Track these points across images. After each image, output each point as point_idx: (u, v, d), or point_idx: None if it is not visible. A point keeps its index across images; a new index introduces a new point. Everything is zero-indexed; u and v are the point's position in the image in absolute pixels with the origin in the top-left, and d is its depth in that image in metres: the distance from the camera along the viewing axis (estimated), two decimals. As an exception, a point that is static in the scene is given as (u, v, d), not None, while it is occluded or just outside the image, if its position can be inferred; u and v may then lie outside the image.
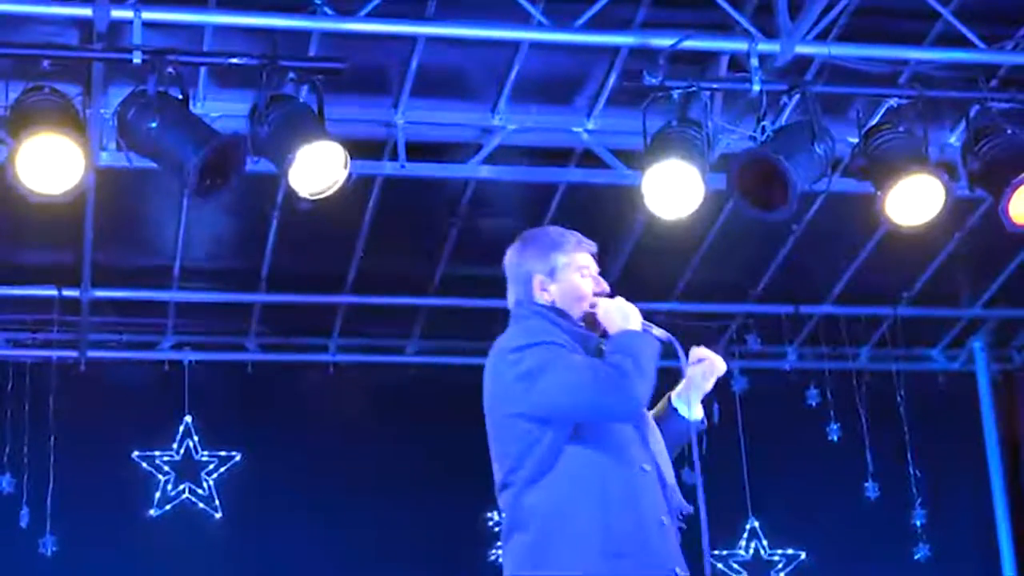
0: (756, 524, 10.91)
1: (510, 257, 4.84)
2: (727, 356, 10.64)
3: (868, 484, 10.76)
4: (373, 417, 10.46)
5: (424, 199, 9.06)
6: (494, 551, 10.47)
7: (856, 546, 10.61)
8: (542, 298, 4.71)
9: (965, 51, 7.89)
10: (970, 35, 7.83)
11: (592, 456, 4.49)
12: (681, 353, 4.75)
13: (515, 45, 7.80)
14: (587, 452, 4.49)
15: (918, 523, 10.70)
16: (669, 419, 4.84)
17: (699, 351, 4.88)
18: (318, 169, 7.29)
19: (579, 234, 4.89)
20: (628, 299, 9.86)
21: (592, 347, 4.64)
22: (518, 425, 4.50)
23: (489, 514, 10.60)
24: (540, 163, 8.64)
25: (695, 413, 4.88)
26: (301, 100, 7.36)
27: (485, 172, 8.45)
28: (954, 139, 8.42)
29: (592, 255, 4.86)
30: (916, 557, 10.68)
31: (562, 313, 4.67)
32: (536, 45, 7.76)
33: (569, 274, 4.75)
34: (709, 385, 4.88)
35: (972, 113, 7.99)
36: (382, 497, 10.25)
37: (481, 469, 10.28)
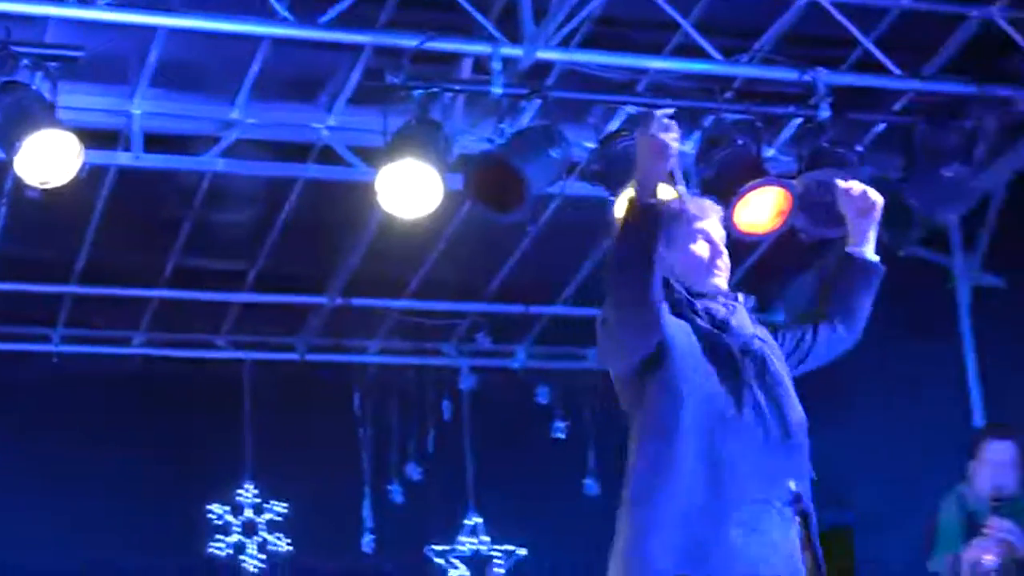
0: (478, 520, 10.99)
1: None
2: (457, 355, 10.85)
3: (588, 481, 10.91)
4: (98, 408, 10.22)
5: (159, 191, 8.90)
6: (213, 544, 10.41)
7: (575, 542, 10.71)
8: None
9: (702, 62, 8.03)
10: (707, 47, 7.98)
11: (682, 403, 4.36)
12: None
13: (258, 40, 7.69)
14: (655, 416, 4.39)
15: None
16: (853, 271, 4.78)
17: (845, 184, 4.76)
18: (48, 158, 7.12)
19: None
20: (361, 294, 9.86)
21: None
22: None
23: (210, 506, 10.51)
24: (279, 158, 8.55)
25: (872, 253, 4.80)
26: (35, 87, 7.16)
27: (221, 165, 8.33)
28: (689, 147, 8.58)
29: None
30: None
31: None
32: (279, 41, 7.67)
33: None
34: (876, 214, 4.78)
35: (706, 123, 8.18)
36: (104, 487, 10.07)
37: (205, 461, 10.15)
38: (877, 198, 4.76)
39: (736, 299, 4.61)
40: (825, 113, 8.07)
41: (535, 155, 7.74)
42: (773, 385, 4.44)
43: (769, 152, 8.47)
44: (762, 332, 4.60)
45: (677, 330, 4.40)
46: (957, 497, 7.23)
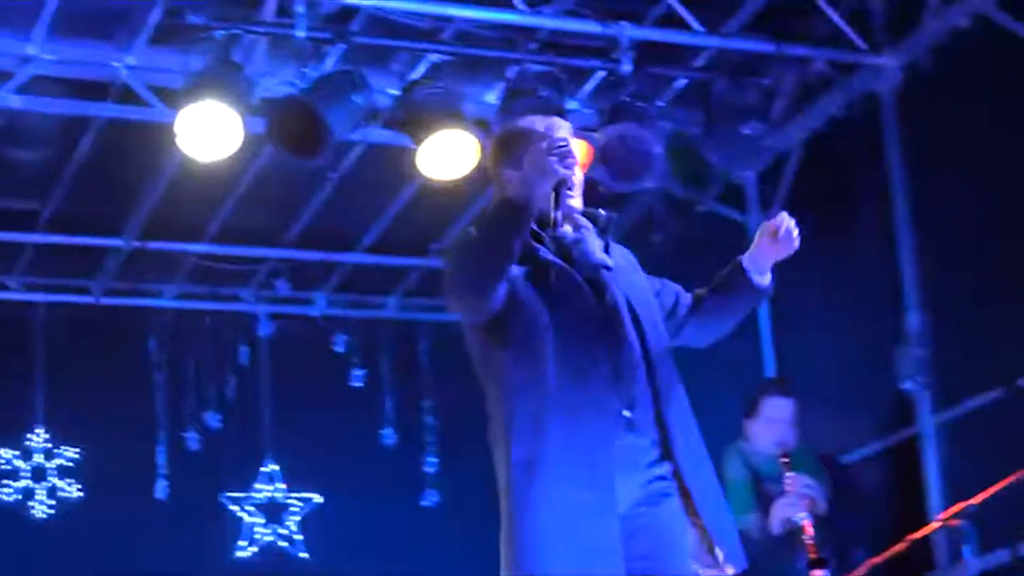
0: (275, 467, 10.93)
1: None
2: (255, 300, 10.75)
3: (386, 431, 10.92)
4: None
5: (-50, 128, 8.68)
6: (1, 489, 10.27)
7: (370, 491, 10.74)
8: None
9: (507, 12, 8.02)
10: (513, -2, 8.00)
11: (508, 362, 4.41)
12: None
13: (54, -25, 7.52)
14: (505, 358, 4.41)
15: (430, 471, 10.94)
16: (738, 282, 4.67)
17: (781, 223, 4.60)
18: None
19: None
20: (159, 238, 9.70)
21: None
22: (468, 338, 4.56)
23: (-1, 452, 10.34)
24: (76, 96, 8.36)
25: (766, 279, 4.68)
26: None
27: (17, 102, 8.12)
28: (491, 97, 8.58)
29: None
30: (423, 503, 10.93)
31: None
32: (78, -25, 7.51)
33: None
34: (783, 254, 4.65)
35: (510, 74, 8.19)
36: None
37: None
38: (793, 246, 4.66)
39: (593, 220, 4.59)
40: (627, 67, 8.14)
41: (338, 100, 7.70)
42: (613, 316, 4.43)
43: (571, 104, 8.49)
44: (617, 258, 4.58)
45: (517, 288, 4.40)
46: (739, 454, 7.26)
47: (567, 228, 4.51)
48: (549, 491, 4.26)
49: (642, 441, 4.37)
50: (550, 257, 4.47)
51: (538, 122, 4.62)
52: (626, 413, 4.34)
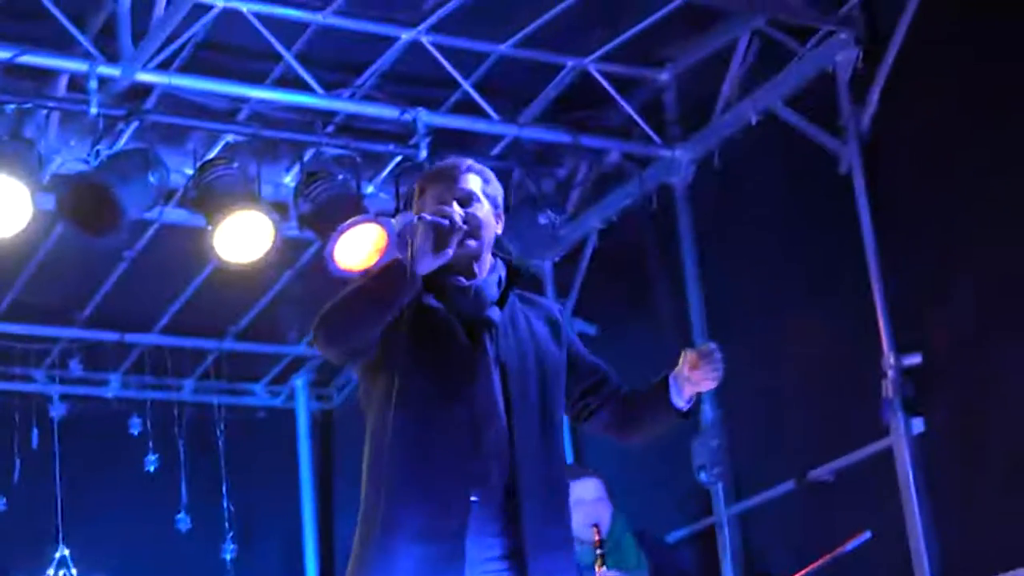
0: (67, 552, 10.68)
1: None
2: (48, 380, 10.54)
3: (181, 516, 10.74)
4: None
5: None
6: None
7: None
8: None
9: (304, 94, 8.02)
10: (309, 79, 7.98)
11: (378, 411, 4.26)
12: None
13: None
14: (378, 406, 4.27)
15: (228, 557, 10.77)
16: (657, 397, 4.41)
17: (702, 352, 4.35)
18: None
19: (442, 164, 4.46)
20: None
21: None
22: None
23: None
24: None
25: (679, 402, 4.38)
26: None
27: None
28: (289, 179, 8.55)
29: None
30: (222, 590, 10.77)
31: None
32: None
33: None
34: (703, 386, 4.35)
35: (307, 156, 8.18)
36: None
37: None
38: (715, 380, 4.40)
39: (489, 269, 4.38)
40: (424, 153, 8.18)
41: (131, 179, 7.62)
42: (483, 376, 4.26)
43: (368, 189, 8.51)
44: (517, 315, 4.40)
45: (395, 333, 4.23)
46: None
47: (460, 277, 4.32)
48: (395, 544, 4.14)
49: (487, 528, 4.20)
50: (432, 303, 4.30)
51: (432, 176, 4.44)
52: (473, 498, 4.18)
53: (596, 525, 6.82)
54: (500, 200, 4.46)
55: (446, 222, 4.16)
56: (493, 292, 4.36)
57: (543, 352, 4.38)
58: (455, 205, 4.26)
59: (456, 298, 4.31)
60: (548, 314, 4.49)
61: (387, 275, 4.18)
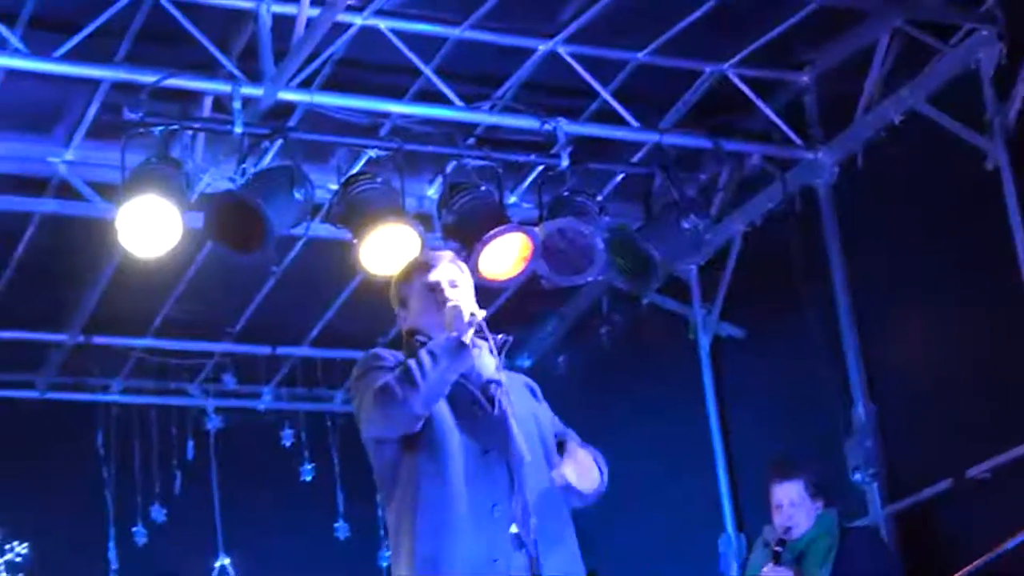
0: (227, 561, 10.87)
1: None
2: (202, 394, 10.73)
3: (339, 524, 10.87)
4: None
5: None
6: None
7: (326, 584, 10.71)
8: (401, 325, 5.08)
9: (444, 108, 8.08)
10: (449, 93, 8.04)
11: (418, 467, 4.70)
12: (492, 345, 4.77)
13: (-9, 71, 7.54)
14: (416, 463, 4.71)
15: (385, 564, 10.87)
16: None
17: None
18: None
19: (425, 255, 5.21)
20: (103, 332, 9.66)
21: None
22: (370, 447, 4.83)
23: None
24: (15, 192, 8.36)
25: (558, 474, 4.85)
26: None
27: (-48, 201, 8.17)
28: (432, 192, 8.62)
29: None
30: (381, 597, 10.88)
31: (412, 333, 4.96)
32: (14, 72, 7.50)
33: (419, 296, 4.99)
34: (575, 482, 4.82)
35: (449, 168, 8.23)
36: None
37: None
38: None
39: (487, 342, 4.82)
40: (565, 162, 8.20)
41: (277, 195, 7.68)
42: (503, 428, 4.74)
43: (511, 199, 8.56)
44: (512, 379, 4.93)
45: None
46: (762, 539, 7.36)
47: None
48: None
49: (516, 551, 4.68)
50: None
51: (421, 264, 5.06)
52: (513, 529, 4.68)
53: (788, 528, 7.11)
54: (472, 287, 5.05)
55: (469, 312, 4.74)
56: (491, 360, 4.84)
57: (534, 407, 5.00)
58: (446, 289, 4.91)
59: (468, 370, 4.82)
60: (525, 381, 5.11)
61: (456, 351, 4.68)
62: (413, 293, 4.99)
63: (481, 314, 4.77)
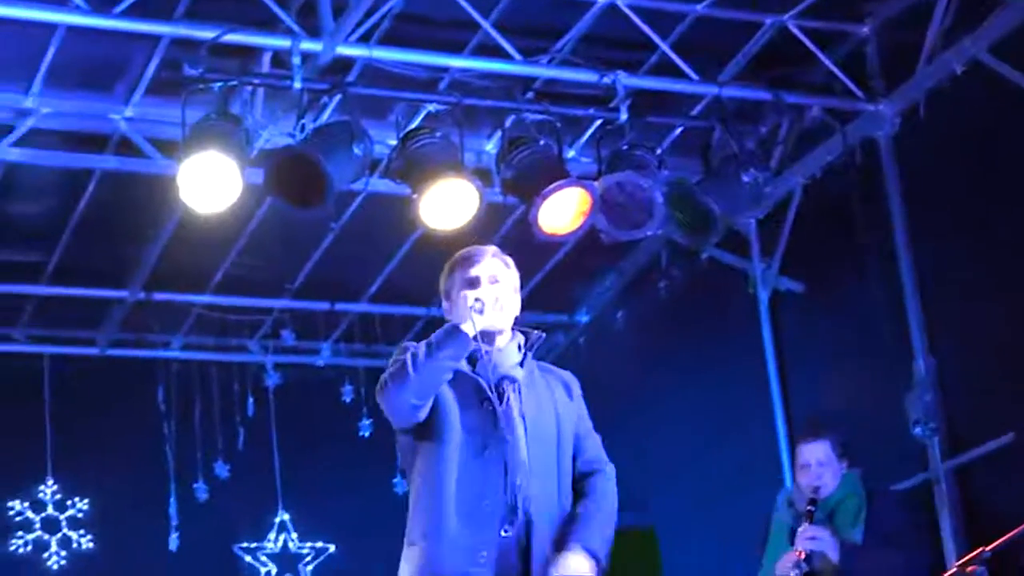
0: (286, 517, 10.94)
1: None
2: (261, 351, 10.77)
3: (397, 480, 10.91)
4: None
5: (-50, 181, 8.73)
6: (14, 540, 10.28)
7: (383, 539, 10.66)
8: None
9: (502, 62, 8.07)
10: (508, 47, 8.02)
11: (424, 457, 4.93)
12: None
13: (52, 27, 7.56)
14: (423, 454, 4.94)
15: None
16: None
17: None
18: None
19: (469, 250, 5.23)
20: (163, 289, 9.72)
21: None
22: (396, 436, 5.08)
23: (10, 503, 10.37)
24: (76, 149, 8.41)
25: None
26: None
27: (16, 155, 8.18)
28: (490, 146, 8.61)
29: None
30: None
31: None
32: (75, 29, 7.53)
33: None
34: None
35: (507, 123, 8.21)
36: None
37: (4, 457, 9.95)
38: None
39: (510, 338, 5.03)
40: (624, 116, 8.18)
41: (336, 151, 7.69)
42: (508, 426, 4.91)
43: (570, 153, 8.55)
44: (536, 378, 5.06)
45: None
46: (786, 499, 7.31)
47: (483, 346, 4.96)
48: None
49: (509, 557, 4.85)
50: (465, 370, 4.97)
51: (462, 260, 5.19)
52: (504, 533, 4.86)
53: (814, 488, 7.05)
54: (517, 282, 5.17)
55: (481, 304, 4.93)
56: (515, 357, 5.04)
57: (559, 407, 5.08)
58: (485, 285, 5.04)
59: (482, 364, 4.97)
60: (563, 378, 5.21)
61: (451, 335, 4.89)
62: (454, 286, 5.14)
63: (494, 304, 4.94)
